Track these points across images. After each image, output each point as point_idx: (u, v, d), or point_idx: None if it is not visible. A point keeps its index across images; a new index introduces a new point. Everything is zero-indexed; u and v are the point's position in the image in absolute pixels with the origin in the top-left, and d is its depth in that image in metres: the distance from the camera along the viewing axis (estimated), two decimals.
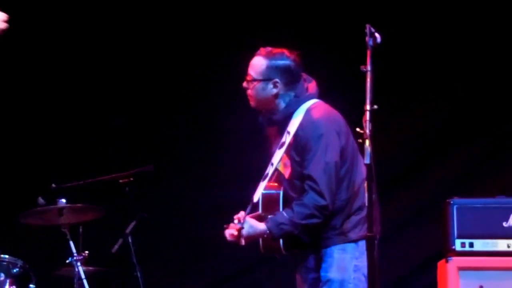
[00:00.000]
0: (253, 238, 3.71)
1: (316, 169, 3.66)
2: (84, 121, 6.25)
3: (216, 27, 6.15)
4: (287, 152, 3.73)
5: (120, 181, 5.20)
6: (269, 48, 3.84)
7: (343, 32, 5.63)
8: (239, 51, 4.15)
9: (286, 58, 3.82)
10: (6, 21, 3.59)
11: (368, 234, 3.25)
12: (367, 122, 3.26)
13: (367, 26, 3.38)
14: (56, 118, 6.25)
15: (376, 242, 3.24)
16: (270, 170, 3.77)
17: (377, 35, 3.37)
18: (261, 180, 3.77)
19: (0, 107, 6.02)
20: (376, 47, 3.35)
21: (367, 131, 3.26)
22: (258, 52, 3.85)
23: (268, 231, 3.65)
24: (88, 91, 6.26)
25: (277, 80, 3.79)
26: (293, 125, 3.75)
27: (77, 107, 6.24)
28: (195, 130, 6.22)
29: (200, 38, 6.18)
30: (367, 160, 3.23)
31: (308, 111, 3.78)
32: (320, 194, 3.64)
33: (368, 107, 3.27)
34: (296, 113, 3.78)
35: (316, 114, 3.78)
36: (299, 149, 3.73)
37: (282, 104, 3.81)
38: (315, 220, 3.65)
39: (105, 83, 6.26)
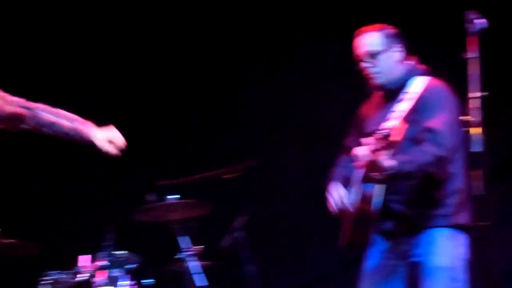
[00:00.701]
0: (379, 167, 3.48)
1: (440, 123, 3.59)
2: (189, 118, 6.37)
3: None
4: (405, 116, 3.58)
5: (225, 176, 5.27)
6: (368, 26, 3.84)
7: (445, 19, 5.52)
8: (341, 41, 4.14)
9: (391, 28, 3.86)
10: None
11: (480, 223, 3.20)
12: (476, 110, 3.21)
13: (468, 12, 3.33)
14: (162, 114, 6.39)
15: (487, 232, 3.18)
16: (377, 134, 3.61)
17: (481, 21, 3.32)
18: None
19: (110, 108, 6.20)
20: (480, 33, 3.30)
21: (476, 118, 3.21)
22: (359, 33, 3.84)
23: (395, 166, 3.47)
24: (191, 87, 6.36)
25: (397, 45, 3.82)
26: (413, 91, 3.68)
27: (184, 104, 6.35)
28: (297, 124, 6.23)
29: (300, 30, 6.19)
30: (476, 148, 3.20)
31: (428, 79, 3.75)
32: (440, 145, 3.55)
33: (475, 94, 3.23)
34: (412, 80, 3.74)
35: (439, 83, 3.77)
36: (421, 110, 3.63)
37: (403, 71, 3.80)
38: (432, 168, 3.55)
39: (205, 80, 6.35)
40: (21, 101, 3.53)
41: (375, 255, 3.81)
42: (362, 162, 3.54)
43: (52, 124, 3.56)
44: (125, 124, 6.21)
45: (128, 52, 6.45)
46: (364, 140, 3.53)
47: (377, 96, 3.92)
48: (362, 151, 3.53)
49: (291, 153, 6.21)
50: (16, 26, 6.40)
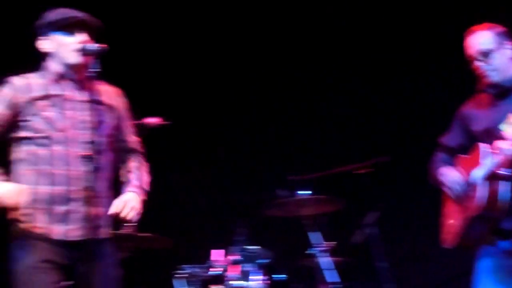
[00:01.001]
0: None
1: None
2: (323, 113, 6.35)
3: None
4: None
5: (358, 171, 5.22)
6: (478, 26, 3.80)
7: None
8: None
9: (501, 26, 3.81)
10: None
11: None
12: None
13: None
14: (295, 109, 6.40)
15: None
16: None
17: None
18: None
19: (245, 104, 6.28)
20: None
21: None
22: (470, 33, 3.80)
23: None
24: (328, 81, 6.34)
25: (508, 43, 3.78)
26: None
27: (318, 99, 6.34)
28: (431, 121, 6.10)
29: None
30: None
31: None
32: None
33: None
34: None
35: None
36: None
37: None
38: None
39: (341, 74, 6.31)
40: None
41: (492, 255, 3.70)
42: (504, 156, 3.46)
43: None
44: (259, 119, 6.38)
45: (257, 50, 6.49)
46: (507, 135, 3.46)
47: (484, 94, 3.84)
48: (507, 145, 3.46)
49: (423, 149, 6.07)
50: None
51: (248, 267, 5.05)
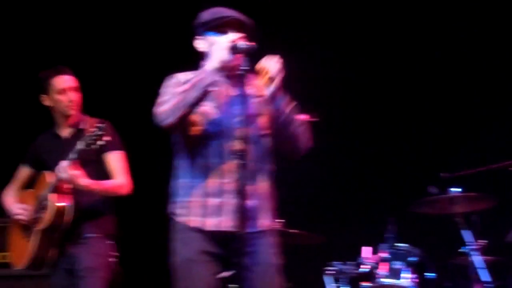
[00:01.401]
0: None
1: None
2: (477, 109, 6.22)
3: None
4: None
5: (510, 168, 5.05)
6: None
7: None
8: None
9: None
10: None
11: None
12: None
13: None
14: (446, 106, 6.30)
15: None
16: None
17: None
18: None
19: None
20: None
21: None
22: None
23: None
24: (479, 79, 6.21)
25: None
26: None
27: (470, 95, 6.22)
28: None
29: None
30: None
31: None
32: None
33: None
34: None
35: None
36: None
37: None
38: None
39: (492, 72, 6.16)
40: None
41: None
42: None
43: None
44: (410, 115, 6.33)
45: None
46: None
47: None
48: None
49: None
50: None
51: (397, 265, 5.03)
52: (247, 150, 3.47)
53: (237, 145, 3.50)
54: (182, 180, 3.69)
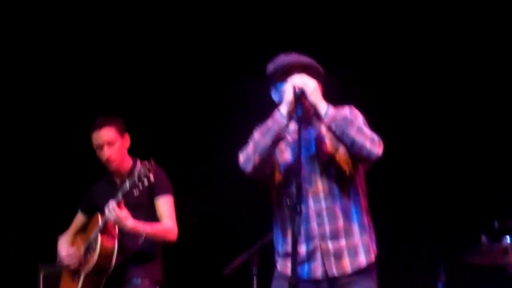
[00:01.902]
0: None
1: None
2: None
3: None
4: None
5: None
6: None
7: None
8: None
9: None
10: None
11: None
12: None
13: None
14: (502, 152, 6.23)
15: None
16: None
17: None
18: None
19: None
20: None
21: None
22: None
23: None
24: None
25: None
26: None
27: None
28: None
29: None
30: None
31: None
32: None
33: None
34: None
35: None
36: None
37: None
38: None
39: None
40: None
41: None
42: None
43: None
44: (466, 161, 6.24)
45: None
46: None
47: None
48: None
49: None
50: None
51: None
52: (320, 191, 3.59)
53: (313, 188, 3.54)
54: (275, 228, 3.78)
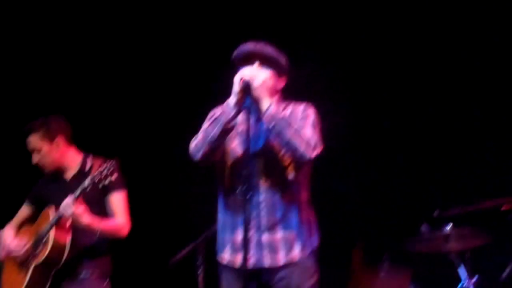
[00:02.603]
0: None
1: None
2: (464, 146, 6.23)
3: None
4: None
5: (504, 208, 5.02)
6: None
7: None
8: None
9: None
10: None
11: None
12: None
13: None
14: (439, 143, 6.32)
15: None
16: None
17: None
18: None
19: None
20: None
21: None
22: None
23: None
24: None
25: None
26: None
27: (463, 131, 6.25)
28: None
29: None
30: None
31: None
32: None
33: None
34: None
35: None
36: None
37: None
38: None
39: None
40: None
41: None
42: None
43: None
44: (402, 154, 6.32)
45: None
46: None
47: None
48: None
49: None
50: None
51: None
52: (260, 184, 3.63)
53: (254, 180, 3.61)
54: (219, 215, 3.80)
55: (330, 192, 6.17)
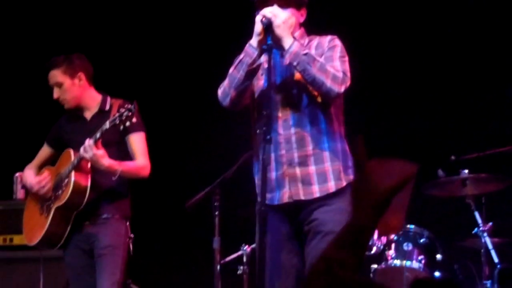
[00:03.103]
0: None
1: None
2: (484, 92, 6.19)
3: None
4: None
5: None
6: None
7: None
8: None
9: None
10: None
11: None
12: None
13: None
14: (456, 91, 6.28)
15: None
16: None
17: None
18: None
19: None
20: None
21: None
22: None
23: None
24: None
25: None
26: None
27: (480, 79, 6.19)
28: None
29: None
30: None
31: None
32: None
33: None
34: None
35: None
36: None
37: None
38: None
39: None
40: None
41: None
42: None
43: None
44: (420, 99, 6.30)
45: None
46: None
47: None
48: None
49: None
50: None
51: (406, 246, 5.05)
52: (290, 118, 3.63)
53: (283, 115, 3.60)
54: (254, 157, 3.80)
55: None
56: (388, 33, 6.43)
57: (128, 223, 4.59)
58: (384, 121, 6.44)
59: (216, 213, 4.78)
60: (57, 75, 4.61)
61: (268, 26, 3.57)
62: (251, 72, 3.63)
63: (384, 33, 6.42)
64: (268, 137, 3.40)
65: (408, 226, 5.14)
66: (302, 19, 3.83)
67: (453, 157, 5.15)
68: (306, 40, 3.80)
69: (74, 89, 4.64)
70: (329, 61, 3.65)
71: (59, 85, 4.61)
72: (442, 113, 6.30)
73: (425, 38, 6.38)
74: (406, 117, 6.38)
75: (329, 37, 3.77)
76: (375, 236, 5.08)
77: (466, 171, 5.08)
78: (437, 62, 6.37)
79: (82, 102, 4.66)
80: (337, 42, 3.76)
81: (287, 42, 3.59)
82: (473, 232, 5.03)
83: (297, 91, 3.68)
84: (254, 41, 3.62)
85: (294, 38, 3.65)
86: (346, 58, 3.72)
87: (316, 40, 3.79)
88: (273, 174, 3.65)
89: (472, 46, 6.24)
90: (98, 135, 4.30)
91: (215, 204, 4.80)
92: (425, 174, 5.23)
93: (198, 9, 6.78)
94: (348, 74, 3.66)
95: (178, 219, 6.07)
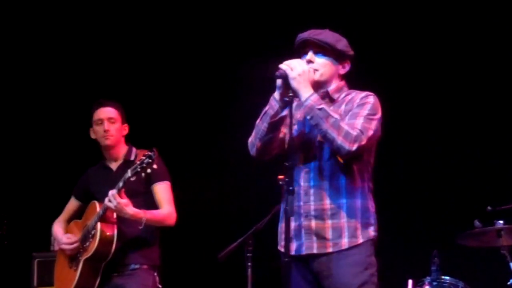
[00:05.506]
0: None
1: None
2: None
3: None
4: None
5: None
6: None
7: None
8: None
9: None
10: None
11: None
12: None
13: None
14: (494, 139, 6.25)
15: None
16: None
17: None
18: None
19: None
20: None
21: None
22: None
23: None
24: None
25: None
26: None
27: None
28: None
29: None
30: None
31: None
32: None
33: None
34: None
35: None
36: None
37: None
38: None
39: None
40: None
41: None
42: None
43: None
44: (457, 149, 6.26)
45: None
46: None
47: None
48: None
49: None
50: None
51: None
52: (311, 171, 3.61)
53: (303, 166, 3.60)
54: (281, 205, 3.74)
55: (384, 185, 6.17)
56: (428, 82, 6.42)
57: (156, 273, 4.59)
58: (422, 173, 6.40)
59: (249, 264, 4.75)
60: (114, 112, 4.76)
61: (284, 79, 3.57)
62: (275, 124, 3.64)
63: (423, 82, 6.42)
64: (291, 188, 3.39)
65: (443, 277, 5.07)
66: (343, 72, 3.78)
67: (489, 208, 5.10)
68: (344, 94, 3.76)
69: (120, 133, 4.78)
70: (353, 118, 3.60)
71: (112, 121, 4.72)
72: (478, 163, 6.25)
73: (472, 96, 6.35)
74: (444, 168, 6.33)
75: (364, 94, 3.71)
76: (410, 286, 5.01)
77: (502, 221, 5.04)
78: (476, 113, 6.34)
79: (116, 148, 4.74)
80: (370, 99, 3.68)
81: (303, 95, 3.58)
82: (508, 283, 4.97)
83: (319, 144, 3.66)
84: (276, 94, 3.64)
85: (314, 92, 3.60)
86: (376, 117, 3.64)
87: (352, 94, 3.75)
88: (292, 225, 3.62)
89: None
90: (121, 184, 4.34)
91: (248, 255, 4.77)
92: (462, 225, 5.20)
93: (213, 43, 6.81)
94: (368, 132, 3.57)
95: (210, 270, 6.04)
